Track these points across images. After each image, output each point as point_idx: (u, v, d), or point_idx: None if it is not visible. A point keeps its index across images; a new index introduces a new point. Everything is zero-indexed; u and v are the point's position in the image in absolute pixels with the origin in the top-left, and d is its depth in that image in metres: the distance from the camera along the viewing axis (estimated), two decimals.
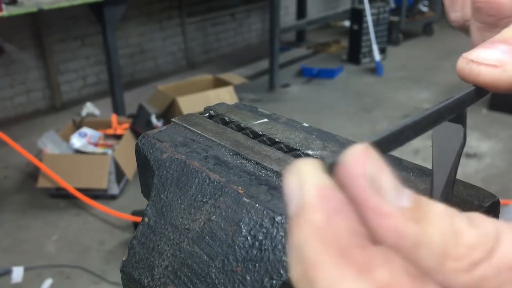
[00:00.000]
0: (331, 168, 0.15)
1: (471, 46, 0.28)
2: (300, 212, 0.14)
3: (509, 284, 0.14)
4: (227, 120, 0.38)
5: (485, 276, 0.14)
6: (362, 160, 0.14)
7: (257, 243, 0.27)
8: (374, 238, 0.14)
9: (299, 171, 0.15)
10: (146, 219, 0.33)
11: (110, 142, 2.69)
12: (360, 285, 0.13)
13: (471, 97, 0.21)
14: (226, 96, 3.06)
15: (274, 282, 0.25)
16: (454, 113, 0.20)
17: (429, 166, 0.27)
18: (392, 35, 4.81)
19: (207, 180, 0.31)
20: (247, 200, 0.28)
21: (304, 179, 0.14)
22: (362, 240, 0.14)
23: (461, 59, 0.22)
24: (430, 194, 0.25)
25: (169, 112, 2.94)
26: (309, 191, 0.14)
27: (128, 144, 2.58)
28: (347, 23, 5.06)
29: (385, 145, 0.17)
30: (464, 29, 0.31)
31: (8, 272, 1.99)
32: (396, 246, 0.14)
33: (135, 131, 2.76)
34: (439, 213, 0.14)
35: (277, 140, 0.35)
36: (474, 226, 0.15)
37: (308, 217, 0.14)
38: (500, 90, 0.20)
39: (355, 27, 4.34)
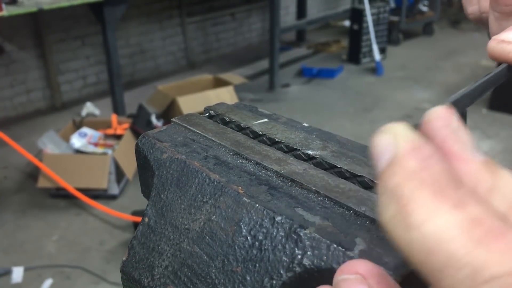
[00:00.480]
0: (417, 128, 0.17)
1: (490, 36, 0.29)
2: (394, 161, 0.15)
3: None
4: (227, 120, 0.38)
5: None
6: (446, 116, 0.16)
7: (257, 243, 0.27)
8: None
9: (392, 130, 0.16)
10: (146, 219, 0.33)
11: (110, 142, 2.69)
12: (454, 216, 0.14)
13: (503, 74, 0.22)
14: (226, 96, 3.06)
15: (274, 282, 0.25)
16: (494, 85, 0.23)
17: None
18: (392, 35, 4.81)
19: (207, 180, 0.31)
20: (247, 200, 0.28)
21: (396, 135, 0.16)
22: (454, 180, 0.15)
23: (491, 41, 0.23)
24: None
25: (169, 112, 2.94)
26: (402, 143, 0.16)
27: (128, 144, 2.58)
28: (347, 23, 5.06)
29: (458, 106, 0.20)
30: (481, 21, 0.33)
31: (8, 272, 1.99)
32: (474, 189, 0.15)
33: (135, 131, 2.76)
34: (507, 173, 0.16)
35: (277, 140, 0.35)
36: None
37: (403, 163, 0.15)
38: None
39: (355, 27, 4.34)
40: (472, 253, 0.13)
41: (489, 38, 0.26)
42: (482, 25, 0.33)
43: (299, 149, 0.34)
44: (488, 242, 0.13)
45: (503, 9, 0.29)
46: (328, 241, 0.23)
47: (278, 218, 0.26)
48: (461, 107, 0.20)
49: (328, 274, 0.22)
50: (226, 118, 0.39)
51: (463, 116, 0.23)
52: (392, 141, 0.16)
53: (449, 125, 0.16)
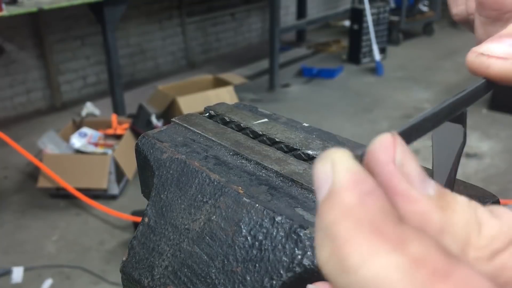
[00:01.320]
0: (360, 158, 0.16)
1: (475, 40, 0.28)
2: (331, 194, 0.14)
3: None
4: (227, 120, 0.38)
5: (505, 265, 0.14)
6: (391, 147, 0.15)
7: (257, 243, 0.27)
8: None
9: (331, 158, 0.15)
10: (146, 219, 0.33)
11: (110, 142, 2.69)
12: (394, 258, 0.13)
13: (481, 89, 0.21)
14: (226, 96, 3.06)
15: (274, 282, 0.25)
16: (467, 105, 0.21)
17: (429, 166, 0.27)
18: (392, 35, 4.81)
19: (207, 180, 0.31)
20: (247, 200, 0.28)
21: (336, 165, 0.15)
22: (394, 218, 0.14)
23: (470, 52, 0.22)
24: None
25: (169, 112, 2.94)
26: (341, 175, 0.14)
27: (128, 144, 2.58)
28: (347, 23, 5.06)
29: (407, 137, 0.17)
30: (466, 23, 0.32)
31: (8, 272, 1.99)
32: (418, 227, 0.14)
33: (135, 131, 2.76)
34: (463, 203, 0.15)
35: (277, 140, 0.35)
36: (496, 217, 0.15)
37: (340, 198, 0.14)
38: (509, 83, 0.21)
39: (355, 27, 4.34)
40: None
41: (476, 42, 0.25)
42: (467, 28, 0.32)
43: (299, 149, 0.34)
44: (433, 285, 0.12)
45: (490, 13, 0.28)
46: None
47: (278, 218, 0.26)
48: (416, 135, 0.18)
49: None
50: (226, 118, 0.39)
51: (463, 116, 0.23)
52: (331, 171, 0.15)
53: (393, 159, 0.15)
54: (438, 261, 0.13)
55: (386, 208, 0.14)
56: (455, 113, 0.20)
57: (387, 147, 0.15)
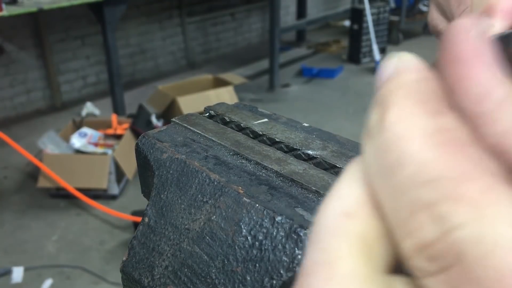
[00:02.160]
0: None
1: None
2: (393, 74, 0.14)
3: None
4: (227, 120, 0.38)
5: None
6: (477, 19, 0.13)
7: (257, 243, 0.27)
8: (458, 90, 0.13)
9: (397, 55, 0.15)
10: (146, 219, 0.33)
11: (110, 142, 2.69)
12: (423, 121, 0.12)
13: None
14: (226, 96, 3.06)
15: (274, 282, 0.25)
16: None
17: None
18: (392, 35, 4.81)
19: (207, 180, 0.31)
20: (247, 200, 0.28)
21: (402, 59, 0.14)
22: (442, 104, 0.13)
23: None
24: None
25: (169, 112, 2.94)
26: (407, 63, 0.14)
27: (128, 144, 2.58)
28: (347, 23, 5.06)
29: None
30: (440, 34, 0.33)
31: (8, 272, 1.99)
32: (478, 103, 0.12)
33: (135, 131, 2.76)
34: None
35: (277, 140, 0.35)
36: None
37: (401, 75, 0.14)
38: None
39: (355, 26, 4.34)
40: (422, 153, 0.12)
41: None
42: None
43: (299, 149, 0.34)
44: (444, 148, 0.12)
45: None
46: None
47: (278, 218, 0.26)
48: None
49: None
50: (226, 118, 0.39)
51: None
52: (397, 62, 0.14)
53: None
54: (462, 135, 0.12)
55: (441, 88, 0.13)
56: None
57: (471, 20, 0.13)
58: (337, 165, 0.31)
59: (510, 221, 0.11)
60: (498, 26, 0.15)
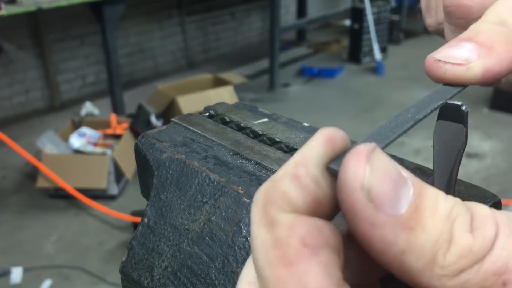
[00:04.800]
0: (335, 173, 0.15)
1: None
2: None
3: None
4: (227, 120, 0.38)
5: (469, 282, 0.14)
6: (360, 169, 0.14)
7: None
8: (365, 246, 0.15)
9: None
10: (146, 220, 0.33)
11: (109, 142, 2.69)
12: (264, 233, 0.15)
13: (443, 93, 0.21)
14: (226, 95, 3.06)
15: None
16: (434, 108, 0.21)
17: (430, 166, 0.27)
18: (393, 34, 4.81)
19: (207, 180, 0.31)
20: (247, 201, 0.28)
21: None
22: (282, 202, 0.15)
23: (428, 58, 0.22)
24: None
25: (168, 111, 2.94)
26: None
27: (127, 144, 2.58)
28: (347, 22, 5.06)
29: (384, 138, 0.17)
30: (439, 32, 0.33)
31: (7, 273, 1.99)
32: (383, 252, 0.14)
33: (135, 131, 2.76)
34: (440, 216, 0.15)
35: (277, 140, 0.35)
36: (474, 229, 0.15)
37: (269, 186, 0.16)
38: (464, 85, 0.22)
39: (356, 26, 4.34)
40: (264, 269, 0.14)
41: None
42: (441, 36, 0.33)
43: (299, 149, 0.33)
44: (277, 266, 0.14)
45: (457, 22, 0.29)
46: None
47: None
48: (387, 141, 0.17)
49: None
50: (226, 117, 0.38)
51: (464, 116, 0.23)
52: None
53: (361, 185, 0.14)
54: (294, 249, 0.14)
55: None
56: (421, 117, 0.20)
57: (355, 170, 0.14)
58: None
59: None
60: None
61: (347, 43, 4.56)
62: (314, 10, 5.45)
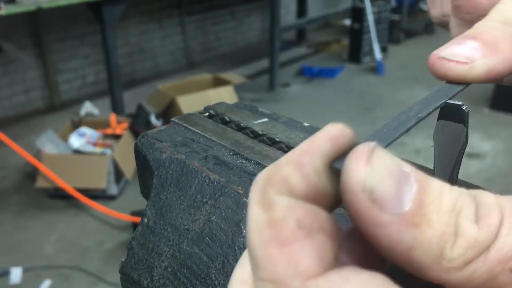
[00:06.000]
0: (338, 172, 0.15)
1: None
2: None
3: (501, 276, 0.14)
4: (227, 120, 0.38)
5: (477, 271, 0.14)
6: (361, 170, 0.15)
7: None
8: (372, 244, 0.15)
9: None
10: (146, 220, 0.33)
11: (109, 142, 2.69)
12: (259, 213, 0.15)
13: (444, 92, 0.21)
14: (226, 95, 3.05)
15: None
16: (435, 108, 0.21)
17: (431, 167, 0.26)
18: (393, 34, 4.81)
19: (207, 180, 0.31)
20: (247, 200, 0.28)
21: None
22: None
23: (432, 56, 0.22)
24: None
25: (168, 111, 2.94)
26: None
27: (127, 144, 2.57)
28: (347, 22, 5.06)
29: (386, 137, 0.17)
30: (443, 24, 0.33)
31: (6, 273, 1.99)
32: (391, 249, 0.15)
33: (135, 131, 2.76)
34: (445, 210, 0.15)
35: (277, 140, 0.35)
36: (479, 218, 0.15)
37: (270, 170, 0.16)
38: (467, 83, 0.22)
39: (356, 26, 4.33)
40: (256, 249, 0.15)
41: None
42: (445, 29, 0.33)
43: None
44: (271, 246, 0.14)
45: (464, 16, 0.29)
46: None
47: None
48: (393, 136, 0.18)
49: None
50: (226, 117, 0.38)
51: (465, 116, 0.23)
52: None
53: (364, 186, 0.14)
54: (288, 230, 0.14)
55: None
56: (426, 114, 0.20)
57: (357, 170, 0.15)
58: None
59: None
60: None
61: (347, 43, 4.56)
62: (314, 10, 5.45)
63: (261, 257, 0.14)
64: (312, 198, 0.15)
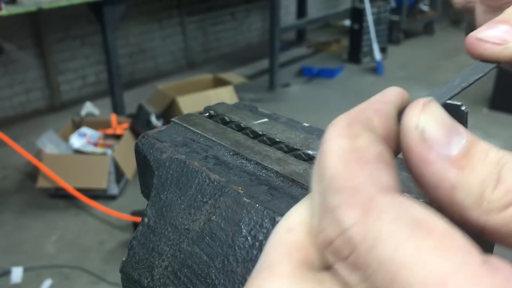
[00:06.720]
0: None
1: (466, 29, 0.31)
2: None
3: None
4: (227, 120, 0.38)
5: None
6: (417, 114, 0.17)
7: (257, 243, 0.26)
8: (419, 183, 0.17)
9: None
10: (146, 219, 0.33)
11: (110, 142, 2.69)
12: (342, 142, 0.16)
13: (481, 68, 0.24)
14: (226, 95, 3.06)
15: None
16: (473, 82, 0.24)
17: None
18: (392, 35, 4.81)
19: (207, 180, 0.31)
20: (247, 200, 0.28)
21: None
22: (364, 128, 0.17)
23: (469, 37, 0.25)
24: None
25: (169, 111, 2.94)
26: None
27: (127, 144, 2.58)
28: (347, 22, 5.06)
29: (442, 97, 0.21)
30: (466, 10, 0.34)
31: (7, 273, 1.99)
32: (435, 187, 0.16)
33: (135, 131, 2.76)
34: (490, 161, 0.16)
35: (277, 140, 0.35)
36: None
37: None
38: (501, 62, 0.24)
39: (356, 26, 4.34)
40: (335, 167, 0.15)
41: (469, 29, 0.27)
42: (466, 14, 0.35)
43: (299, 149, 0.33)
44: (350, 164, 0.15)
45: (491, 3, 0.30)
46: None
47: (279, 218, 0.26)
48: (450, 94, 0.21)
49: None
50: (226, 118, 0.38)
51: (464, 116, 0.23)
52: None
53: (417, 125, 0.16)
54: (370, 154, 0.15)
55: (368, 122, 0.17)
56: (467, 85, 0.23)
57: (414, 112, 0.17)
58: None
59: (388, 219, 0.14)
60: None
61: (347, 43, 4.56)
62: (314, 10, 5.45)
63: (340, 171, 0.15)
64: (385, 140, 0.17)
